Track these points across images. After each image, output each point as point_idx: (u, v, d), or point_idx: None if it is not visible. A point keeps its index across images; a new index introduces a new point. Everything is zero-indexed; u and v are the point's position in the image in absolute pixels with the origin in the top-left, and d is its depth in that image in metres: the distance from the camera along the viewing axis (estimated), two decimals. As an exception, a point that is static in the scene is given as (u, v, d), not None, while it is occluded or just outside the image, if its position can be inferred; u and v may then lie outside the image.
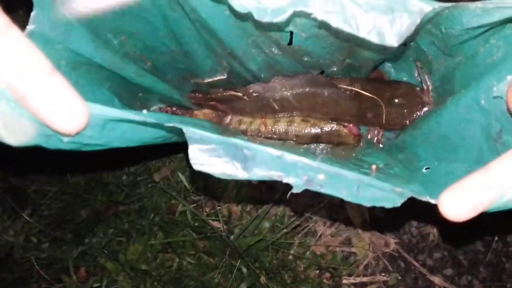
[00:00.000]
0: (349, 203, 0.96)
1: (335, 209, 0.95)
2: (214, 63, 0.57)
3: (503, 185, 0.28)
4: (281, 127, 0.67)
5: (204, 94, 0.66)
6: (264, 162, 0.37)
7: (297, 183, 0.37)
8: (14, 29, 0.25)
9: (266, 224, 0.97)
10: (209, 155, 0.36)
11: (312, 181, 0.37)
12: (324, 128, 0.66)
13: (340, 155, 0.63)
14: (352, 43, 0.47)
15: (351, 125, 0.65)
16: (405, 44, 0.53)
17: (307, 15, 0.34)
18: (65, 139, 0.31)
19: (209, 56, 0.54)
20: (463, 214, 0.29)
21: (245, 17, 0.39)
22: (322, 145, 0.68)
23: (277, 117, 0.67)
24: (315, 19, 0.34)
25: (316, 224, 0.96)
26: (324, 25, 0.35)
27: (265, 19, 0.34)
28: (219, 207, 1.00)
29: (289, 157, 0.38)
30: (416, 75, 0.58)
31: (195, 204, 1.02)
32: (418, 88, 0.59)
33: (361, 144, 0.66)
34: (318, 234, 0.95)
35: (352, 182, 0.38)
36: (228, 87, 0.64)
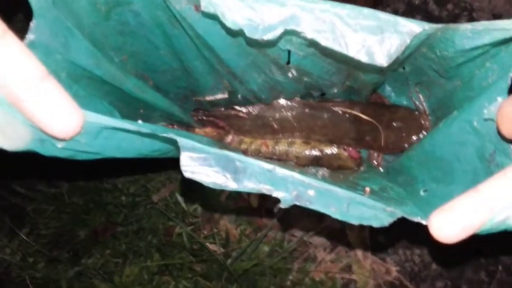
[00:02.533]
0: (350, 228, 0.97)
1: (336, 234, 0.96)
2: (216, 81, 0.59)
3: (493, 207, 0.29)
4: (282, 148, 0.68)
5: (206, 111, 0.68)
6: (255, 175, 0.38)
7: (286, 198, 0.38)
8: (10, 35, 0.26)
9: (265, 248, 0.98)
10: (200, 164, 0.37)
11: (302, 196, 0.38)
12: (325, 151, 0.67)
13: (338, 179, 0.64)
14: (348, 65, 0.49)
15: (350, 148, 0.66)
16: (403, 68, 0.55)
17: (297, 34, 0.36)
18: (59, 145, 0.33)
19: (210, 74, 0.56)
20: (453, 236, 0.29)
21: (237, 34, 0.41)
22: (322, 170, 0.69)
23: (277, 138, 0.68)
24: (305, 38, 0.36)
25: (316, 249, 0.97)
26: (313, 44, 0.37)
27: (256, 36, 0.36)
28: (216, 230, 1.01)
29: (280, 171, 0.39)
30: (414, 99, 0.60)
31: (192, 226, 1.03)
32: (416, 112, 0.60)
33: (362, 168, 0.67)
34: (318, 260, 0.95)
35: (342, 199, 0.39)
36: (229, 106, 0.66)
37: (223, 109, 0.67)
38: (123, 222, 1.08)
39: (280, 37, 0.37)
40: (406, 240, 0.95)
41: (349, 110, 0.62)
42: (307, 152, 0.68)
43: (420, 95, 0.59)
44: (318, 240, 0.98)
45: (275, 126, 0.65)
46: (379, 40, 0.36)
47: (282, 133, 0.67)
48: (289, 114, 0.64)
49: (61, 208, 1.12)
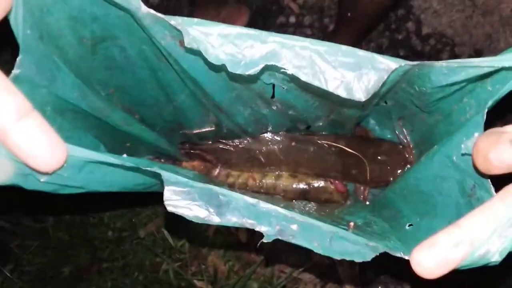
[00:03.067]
0: (340, 264, 0.96)
1: (325, 270, 0.95)
2: (202, 115, 0.60)
3: (473, 241, 0.30)
4: (269, 181, 0.69)
5: (193, 145, 0.69)
6: (238, 209, 0.39)
7: (269, 232, 0.38)
8: None
9: (254, 285, 0.97)
10: (184, 198, 0.38)
11: (285, 231, 0.39)
12: (312, 184, 0.68)
13: (324, 212, 0.64)
14: (330, 99, 0.50)
15: (337, 181, 0.67)
16: (386, 103, 0.56)
17: (277, 69, 0.37)
18: (42, 179, 0.33)
19: (196, 107, 0.57)
20: (435, 271, 0.30)
21: (220, 69, 0.42)
22: (309, 205, 0.70)
23: (264, 171, 0.69)
24: (285, 73, 0.38)
25: (306, 286, 0.96)
26: (294, 79, 0.38)
27: (238, 71, 0.37)
28: (204, 266, 1.00)
29: (264, 205, 0.39)
30: (397, 132, 0.61)
31: (180, 263, 1.02)
32: (400, 146, 0.62)
33: (349, 201, 0.68)
34: (308, 297, 0.94)
35: (325, 234, 0.40)
36: (216, 139, 0.67)
37: (210, 142, 0.68)
38: (108, 258, 1.08)
39: (261, 72, 0.39)
40: (396, 275, 0.94)
41: (334, 144, 0.64)
42: (294, 186, 0.68)
43: (404, 129, 0.60)
44: (307, 276, 0.97)
45: (262, 159, 0.66)
46: (357, 76, 0.38)
47: (269, 166, 0.68)
48: (275, 147, 0.65)
49: (45, 243, 1.11)
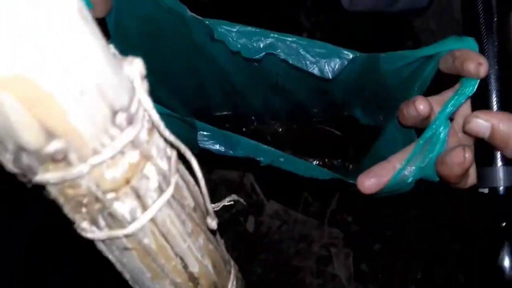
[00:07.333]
0: (336, 259, 1.18)
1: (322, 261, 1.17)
2: (223, 98, 0.85)
3: (396, 167, 0.55)
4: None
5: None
6: (245, 147, 0.63)
7: (265, 161, 0.63)
8: None
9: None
10: (209, 138, 0.62)
11: (275, 161, 0.63)
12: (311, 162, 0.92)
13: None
14: (319, 86, 0.75)
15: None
16: (365, 93, 0.80)
17: (274, 55, 0.62)
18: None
19: (219, 91, 0.82)
20: (371, 187, 0.55)
21: (237, 54, 0.67)
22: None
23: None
24: (279, 58, 0.63)
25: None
26: (288, 65, 0.63)
27: (249, 55, 0.62)
28: None
29: (263, 146, 0.64)
30: (380, 118, 0.84)
31: None
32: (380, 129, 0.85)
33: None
34: None
35: (302, 165, 0.64)
36: (232, 122, 0.92)
37: (227, 125, 0.92)
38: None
39: (265, 57, 0.63)
40: (388, 269, 1.15)
41: (327, 128, 0.88)
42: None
43: (380, 116, 0.84)
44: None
45: (269, 139, 0.91)
46: (327, 61, 0.63)
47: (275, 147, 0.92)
48: (280, 130, 0.89)
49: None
